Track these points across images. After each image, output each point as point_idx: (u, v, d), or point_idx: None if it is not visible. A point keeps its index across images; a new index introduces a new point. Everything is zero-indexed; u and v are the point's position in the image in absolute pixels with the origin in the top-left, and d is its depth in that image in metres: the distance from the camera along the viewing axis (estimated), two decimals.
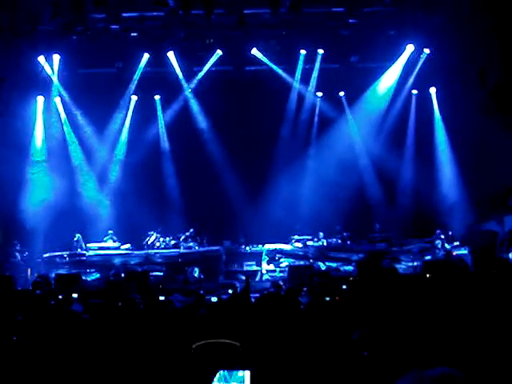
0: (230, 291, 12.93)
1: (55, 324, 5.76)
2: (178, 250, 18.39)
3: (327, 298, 7.23)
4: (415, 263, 17.08)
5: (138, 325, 5.37)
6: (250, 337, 4.73)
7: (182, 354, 4.21)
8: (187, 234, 19.03)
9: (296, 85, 20.32)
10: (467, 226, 18.11)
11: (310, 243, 18.78)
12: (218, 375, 3.92)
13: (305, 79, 20.25)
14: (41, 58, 18.64)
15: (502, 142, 16.90)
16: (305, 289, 12.37)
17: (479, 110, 17.15)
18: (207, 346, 4.11)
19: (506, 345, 4.20)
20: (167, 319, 5.61)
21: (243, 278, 17.29)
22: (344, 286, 10.43)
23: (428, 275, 10.92)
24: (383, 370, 4.02)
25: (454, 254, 17.27)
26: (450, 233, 18.11)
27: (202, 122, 20.41)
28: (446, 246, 17.67)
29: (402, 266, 16.71)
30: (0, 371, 4.26)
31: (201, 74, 19.88)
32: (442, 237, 17.91)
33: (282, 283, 9.89)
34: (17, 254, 17.71)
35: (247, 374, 3.93)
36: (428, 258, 17.38)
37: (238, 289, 14.48)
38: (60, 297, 9.10)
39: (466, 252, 17.13)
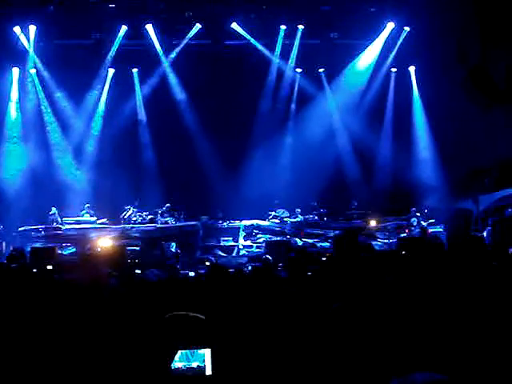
0: (208, 263, 12.95)
1: (34, 296, 5.72)
2: (154, 225, 18.35)
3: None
4: (391, 240, 17.23)
5: (114, 299, 5.35)
6: (225, 311, 4.74)
7: (149, 330, 4.19)
8: (164, 208, 18.99)
9: (276, 60, 20.22)
10: (443, 204, 18.26)
11: (287, 219, 18.86)
12: (179, 354, 3.91)
13: (284, 55, 20.15)
14: (16, 29, 18.28)
15: (481, 121, 17.02)
16: (280, 264, 12.42)
17: (458, 89, 17.24)
18: (172, 319, 4.09)
19: (478, 322, 4.25)
20: (142, 293, 5.61)
21: (221, 253, 17.37)
22: (324, 258, 10.50)
23: (403, 252, 11.01)
24: (358, 346, 4.05)
25: (430, 231, 17.44)
26: (426, 211, 18.28)
27: (179, 95, 20.24)
28: (422, 223, 17.83)
29: (377, 243, 16.83)
30: None
31: (179, 47, 19.67)
32: (418, 214, 18.07)
33: (270, 258, 9.96)
34: None
35: (207, 352, 3.93)
36: (403, 235, 17.54)
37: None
38: (34, 270, 9.02)
39: (441, 230, 17.31)
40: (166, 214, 18.87)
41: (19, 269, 9.70)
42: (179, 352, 3.90)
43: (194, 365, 3.91)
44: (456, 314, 4.42)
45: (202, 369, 3.88)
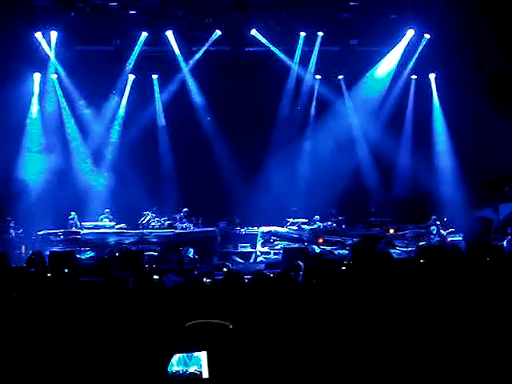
0: (225, 269, 12.95)
1: (49, 300, 5.75)
2: (173, 231, 18.39)
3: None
4: (409, 248, 17.11)
5: (128, 304, 5.37)
6: (242, 317, 4.72)
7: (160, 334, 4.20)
8: (182, 213, 19.03)
9: (295, 67, 20.21)
10: (463, 212, 18.12)
11: (304, 226, 18.81)
12: (177, 358, 3.90)
13: (304, 61, 20.13)
14: (38, 35, 18.43)
15: (500, 129, 16.88)
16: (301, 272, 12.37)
17: (478, 97, 17.12)
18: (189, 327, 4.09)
19: (497, 330, 4.21)
20: (158, 299, 5.61)
21: (238, 260, 17.36)
22: (343, 268, 10.46)
23: (422, 261, 10.93)
24: (376, 356, 4.03)
25: (449, 240, 17.32)
26: (445, 219, 18.15)
27: (199, 102, 20.31)
28: (442, 232, 17.70)
29: (396, 251, 16.73)
30: None
31: (199, 53, 19.74)
32: (438, 223, 17.94)
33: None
34: (11, 230, 17.68)
35: (204, 355, 3.91)
36: (422, 243, 17.42)
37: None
38: (51, 274, 9.08)
39: (460, 239, 17.18)
40: (184, 220, 18.92)
41: (38, 273, 9.77)
42: (177, 356, 3.89)
43: (192, 369, 3.91)
44: (475, 323, 4.37)
45: (199, 373, 3.88)
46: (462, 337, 4.18)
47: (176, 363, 3.90)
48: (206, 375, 3.89)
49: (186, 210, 19.10)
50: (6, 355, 4.60)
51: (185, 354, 3.91)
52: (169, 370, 3.90)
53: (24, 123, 19.38)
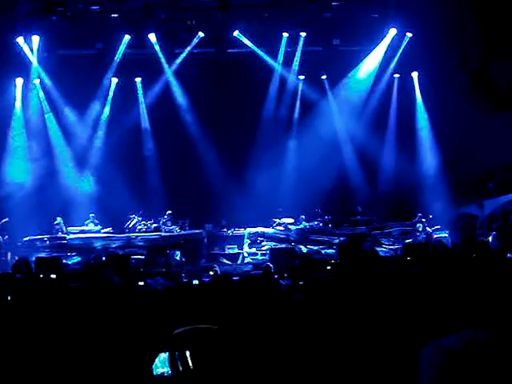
0: (211, 273, 12.94)
1: (36, 306, 5.73)
2: (159, 234, 18.35)
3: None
4: (396, 246, 17.20)
5: (114, 307, 5.35)
6: (230, 319, 4.72)
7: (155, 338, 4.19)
8: (165, 216, 18.97)
9: (278, 67, 20.25)
10: (448, 209, 18.23)
11: (291, 226, 18.84)
12: (162, 359, 3.88)
13: (287, 62, 20.18)
14: (20, 39, 18.35)
15: (484, 125, 16.99)
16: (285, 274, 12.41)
17: (461, 94, 17.23)
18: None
19: (484, 325, 4.23)
20: (147, 302, 5.60)
21: (226, 261, 17.37)
22: (328, 267, 10.50)
23: (408, 258, 10.98)
24: (363, 354, 4.03)
25: (435, 237, 17.41)
26: (431, 216, 18.25)
27: (183, 104, 20.29)
28: (428, 229, 17.80)
29: (382, 249, 16.80)
30: None
31: (182, 56, 19.73)
32: (423, 220, 18.04)
33: (271, 266, 9.95)
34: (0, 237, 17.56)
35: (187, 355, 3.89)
36: (409, 241, 17.51)
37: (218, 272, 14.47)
38: (38, 280, 9.04)
39: (446, 235, 17.28)
40: (168, 222, 18.87)
41: (23, 279, 9.71)
42: (162, 357, 3.87)
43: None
44: (461, 320, 4.39)
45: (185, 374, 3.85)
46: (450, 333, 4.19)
47: (161, 365, 3.88)
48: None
49: (169, 212, 19.06)
50: None
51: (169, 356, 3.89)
52: (154, 371, 3.88)
53: (7, 128, 19.27)
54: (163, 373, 3.87)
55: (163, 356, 3.89)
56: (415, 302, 4.92)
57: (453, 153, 18.46)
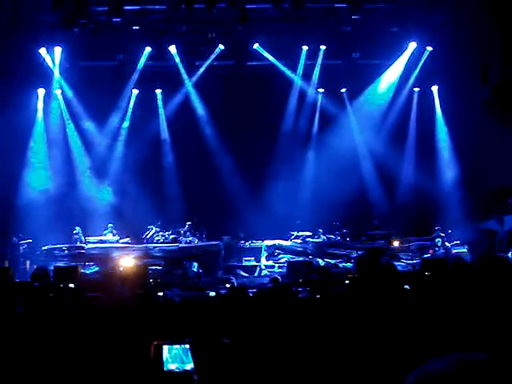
0: (228, 285, 12.94)
1: (55, 316, 5.76)
2: (177, 245, 18.38)
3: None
4: (414, 261, 17.07)
5: (131, 319, 5.37)
6: (246, 331, 4.71)
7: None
8: (186, 227, 19.02)
9: (298, 80, 20.28)
10: (467, 224, 18.07)
11: (309, 239, 18.77)
12: (172, 355, 3.88)
13: (306, 75, 20.21)
14: (42, 51, 18.57)
15: (504, 140, 16.86)
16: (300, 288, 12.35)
17: (481, 108, 17.12)
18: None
19: (503, 341, 4.18)
20: (164, 314, 5.61)
21: (243, 274, 17.32)
22: (346, 281, 10.45)
23: (427, 273, 10.91)
24: (380, 368, 4.00)
25: (454, 252, 17.27)
26: (450, 231, 18.10)
27: (202, 116, 20.37)
28: (447, 244, 17.65)
29: (400, 264, 16.69)
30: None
31: (202, 68, 19.84)
32: (442, 235, 17.90)
33: (279, 278, 9.91)
34: (17, 246, 17.68)
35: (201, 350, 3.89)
36: (427, 255, 17.37)
37: (235, 284, 14.45)
38: (56, 289, 9.08)
39: (465, 250, 17.12)
40: (188, 233, 18.91)
41: (42, 288, 9.77)
42: (172, 353, 3.87)
43: (188, 367, 3.88)
44: (482, 336, 4.35)
45: (194, 371, 3.85)
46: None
47: (172, 360, 3.88)
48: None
49: (189, 223, 19.10)
50: (11, 369, 4.60)
51: (181, 351, 3.89)
52: (164, 367, 3.88)
53: (28, 138, 19.46)
54: (174, 368, 3.88)
55: (174, 352, 3.90)
56: (432, 318, 4.87)
57: (472, 167, 18.34)
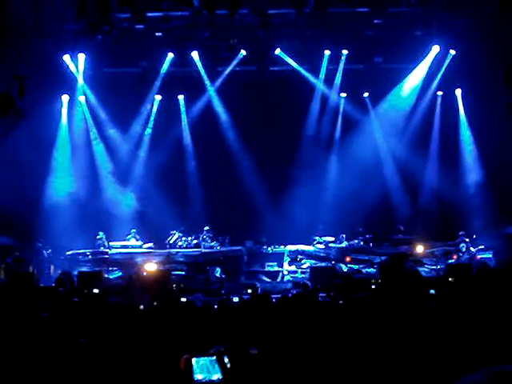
0: (250, 291, 12.93)
1: (78, 320, 5.80)
2: (199, 250, 18.42)
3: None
4: (438, 266, 16.92)
5: (156, 324, 5.38)
6: (270, 337, 4.70)
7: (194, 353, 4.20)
8: (204, 232, 18.99)
9: (320, 85, 20.23)
10: (491, 229, 17.87)
11: (332, 245, 18.70)
12: (200, 366, 3.90)
13: (329, 80, 20.16)
14: (66, 57, 18.77)
15: None
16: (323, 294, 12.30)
17: (505, 112, 16.96)
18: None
19: None
20: (187, 319, 5.61)
21: (265, 279, 17.29)
22: (373, 286, 10.41)
23: (451, 279, 10.82)
24: (406, 375, 3.97)
25: (478, 257, 17.08)
26: (474, 236, 17.92)
27: (225, 121, 20.41)
28: (471, 249, 17.47)
29: (424, 269, 16.54)
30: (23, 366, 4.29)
31: (224, 74, 19.90)
32: (467, 240, 17.71)
33: (308, 283, 9.86)
34: (41, 251, 17.85)
35: (227, 361, 3.92)
36: (451, 261, 17.21)
37: (259, 289, 14.42)
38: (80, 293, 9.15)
39: (490, 256, 16.94)
40: (207, 239, 18.91)
41: (66, 292, 9.86)
42: (200, 363, 3.89)
43: (215, 377, 3.91)
44: (505, 341, 4.29)
45: (221, 381, 3.88)
46: (494, 357, 4.09)
47: (199, 371, 3.91)
48: None
49: (207, 228, 19.11)
50: (36, 375, 4.63)
51: (208, 362, 3.91)
52: (194, 377, 3.91)
53: (53, 144, 19.65)
54: (202, 379, 3.90)
55: (201, 363, 3.92)
56: (457, 324, 4.82)
57: (497, 171, 18.16)
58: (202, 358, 3.94)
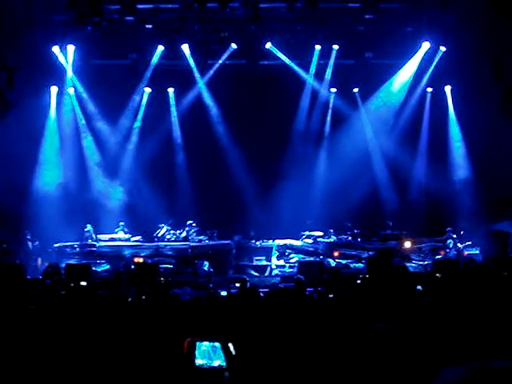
0: (238, 285, 12.91)
1: (65, 313, 5.77)
2: (188, 243, 18.41)
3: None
4: (426, 262, 17.00)
5: (144, 317, 5.37)
6: (257, 331, 4.70)
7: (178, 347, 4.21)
8: (187, 228, 18.94)
9: (310, 80, 20.24)
10: (479, 225, 17.97)
11: (320, 239, 18.74)
12: (202, 351, 3.93)
13: (319, 74, 20.16)
14: (55, 48, 18.66)
15: None
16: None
17: (494, 109, 17.03)
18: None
19: None
20: (174, 312, 5.61)
21: (253, 273, 17.31)
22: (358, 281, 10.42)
23: (438, 274, 10.86)
24: (389, 368, 3.98)
25: (466, 253, 17.18)
26: (462, 232, 18.02)
27: (214, 115, 20.38)
28: (458, 245, 17.57)
29: (412, 265, 16.62)
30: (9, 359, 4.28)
31: (215, 67, 19.85)
32: (454, 236, 17.82)
33: (301, 277, 9.87)
34: (29, 243, 17.80)
35: (231, 346, 3.95)
36: (439, 257, 17.30)
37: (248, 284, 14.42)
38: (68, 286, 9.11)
39: (477, 252, 17.04)
40: (191, 232, 18.86)
41: (53, 285, 9.81)
42: (201, 349, 3.92)
43: (216, 363, 3.94)
44: (492, 338, 4.32)
45: (222, 367, 3.91)
46: (480, 352, 4.12)
47: (200, 356, 3.94)
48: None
49: (190, 222, 19.07)
50: (22, 366, 4.62)
51: (210, 348, 3.95)
52: (195, 362, 3.94)
53: (41, 136, 19.54)
54: (203, 364, 3.93)
55: (203, 348, 3.95)
56: (443, 319, 4.85)
57: (485, 168, 18.25)
58: (204, 344, 3.97)
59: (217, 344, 3.97)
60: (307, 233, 18.83)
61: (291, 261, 17.99)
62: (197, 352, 3.98)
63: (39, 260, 17.36)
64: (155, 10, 17.77)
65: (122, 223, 19.15)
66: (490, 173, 17.88)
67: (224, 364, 3.93)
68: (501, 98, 16.71)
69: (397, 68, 19.82)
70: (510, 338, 4.19)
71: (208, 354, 3.96)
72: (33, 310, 6.55)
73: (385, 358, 4.09)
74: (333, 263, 17.38)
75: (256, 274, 17.50)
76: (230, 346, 3.96)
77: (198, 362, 3.96)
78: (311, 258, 17.69)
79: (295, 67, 19.82)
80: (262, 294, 7.04)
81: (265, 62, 19.69)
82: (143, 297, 7.44)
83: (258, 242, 18.68)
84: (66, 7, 16.80)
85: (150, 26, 18.31)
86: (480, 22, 16.58)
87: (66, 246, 17.87)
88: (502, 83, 16.70)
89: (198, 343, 3.99)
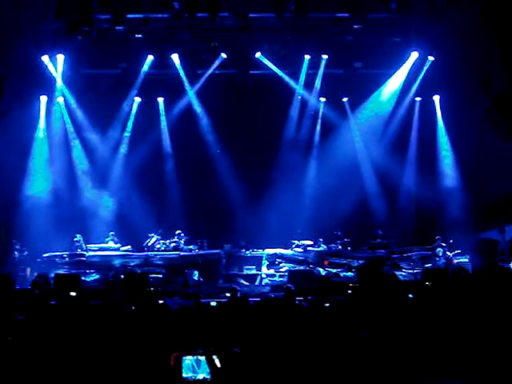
0: (228, 294, 12.91)
1: (54, 323, 5.75)
2: (178, 253, 18.36)
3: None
4: (415, 270, 17.04)
5: (133, 327, 5.36)
6: (247, 340, 4.70)
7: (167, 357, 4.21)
8: (175, 238, 18.89)
9: (299, 89, 20.31)
10: (469, 234, 18.05)
11: (310, 248, 18.75)
12: (186, 365, 3.93)
13: (308, 84, 20.24)
14: (45, 58, 18.61)
15: (505, 150, 16.88)
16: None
17: (482, 119, 17.15)
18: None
19: (504, 352, 4.17)
20: (163, 322, 5.60)
21: (243, 282, 17.28)
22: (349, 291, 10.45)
23: (427, 283, 10.91)
24: (379, 377, 3.99)
25: (455, 262, 17.24)
26: (451, 241, 18.09)
27: (204, 124, 20.41)
28: (448, 253, 17.63)
29: (402, 273, 16.66)
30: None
31: (204, 76, 19.88)
32: (443, 245, 17.88)
33: (291, 287, 9.86)
34: (16, 252, 17.70)
35: (216, 359, 3.95)
36: (428, 265, 17.35)
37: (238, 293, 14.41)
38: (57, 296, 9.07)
39: (467, 260, 17.09)
40: (179, 242, 18.80)
41: (42, 295, 9.77)
42: (186, 362, 3.92)
43: (200, 376, 3.94)
44: (481, 346, 4.34)
45: (207, 380, 3.91)
46: (471, 362, 4.14)
47: (185, 370, 3.93)
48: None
49: (178, 232, 19.02)
50: (11, 377, 4.59)
51: (194, 361, 3.94)
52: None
53: (30, 145, 19.48)
54: (187, 377, 3.93)
55: (187, 362, 3.95)
56: (433, 328, 4.86)
57: (473, 176, 18.35)
58: (188, 358, 3.97)
59: (201, 357, 3.97)
60: (297, 242, 18.84)
61: (281, 270, 17.97)
62: (182, 366, 3.97)
63: (28, 270, 17.25)
64: (145, 19, 17.81)
65: (111, 233, 19.10)
66: (478, 181, 17.98)
67: (209, 377, 3.93)
68: (488, 108, 16.83)
69: (386, 78, 19.94)
70: (498, 348, 4.21)
71: (192, 367, 3.96)
72: (21, 321, 6.52)
73: (366, 367, 4.11)
74: (323, 272, 17.38)
75: (246, 283, 17.48)
76: (215, 358, 3.96)
77: (183, 375, 3.96)
78: (301, 267, 17.69)
79: (285, 77, 19.88)
80: (252, 303, 7.04)
81: (255, 71, 19.72)
82: (133, 307, 7.42)
83: (248, 251, 18.67)
84: (55, 16, 16.82)
85: (139, 36, 18.33)
86: (468, 32, 16.71)
87: (56, 256, 17.76)
88: (489, 94, 16.84)
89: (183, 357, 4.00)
